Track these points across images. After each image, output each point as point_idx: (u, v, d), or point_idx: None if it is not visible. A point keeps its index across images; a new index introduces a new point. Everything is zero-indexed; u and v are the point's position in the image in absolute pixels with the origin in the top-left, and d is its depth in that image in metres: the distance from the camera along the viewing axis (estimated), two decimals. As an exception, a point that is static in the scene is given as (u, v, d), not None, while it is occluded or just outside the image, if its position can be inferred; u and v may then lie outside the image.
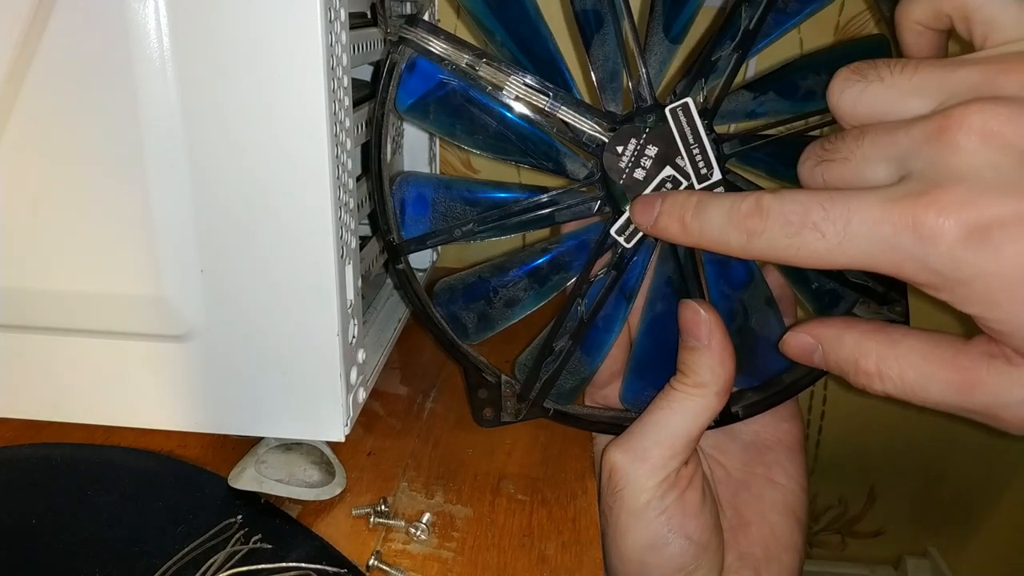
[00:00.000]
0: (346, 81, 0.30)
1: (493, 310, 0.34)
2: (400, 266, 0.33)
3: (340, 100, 0.29)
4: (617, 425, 0.34)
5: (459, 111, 0.31)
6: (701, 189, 0.30)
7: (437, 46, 0.29)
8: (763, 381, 0.35)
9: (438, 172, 0.51)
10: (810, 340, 0.27)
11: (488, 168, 0.59)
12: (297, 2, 0.26)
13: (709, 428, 0.33)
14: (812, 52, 0.32)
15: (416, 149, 0.48)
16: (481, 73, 0.29)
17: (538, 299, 0.34)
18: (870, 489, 0.75)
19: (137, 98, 0.28)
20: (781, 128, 0.31)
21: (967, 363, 0.23)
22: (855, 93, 0.24)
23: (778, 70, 0.32)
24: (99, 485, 0.32)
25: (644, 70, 0.30)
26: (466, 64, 0.29)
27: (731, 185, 0.31)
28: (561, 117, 0.30)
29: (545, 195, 0.32)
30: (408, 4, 0.30)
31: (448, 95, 0.31)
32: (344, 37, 0.29)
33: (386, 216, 0.32)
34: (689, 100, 0.30)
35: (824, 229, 0.22)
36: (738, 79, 0.31)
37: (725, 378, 0.31)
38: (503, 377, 0.34)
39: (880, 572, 0.78)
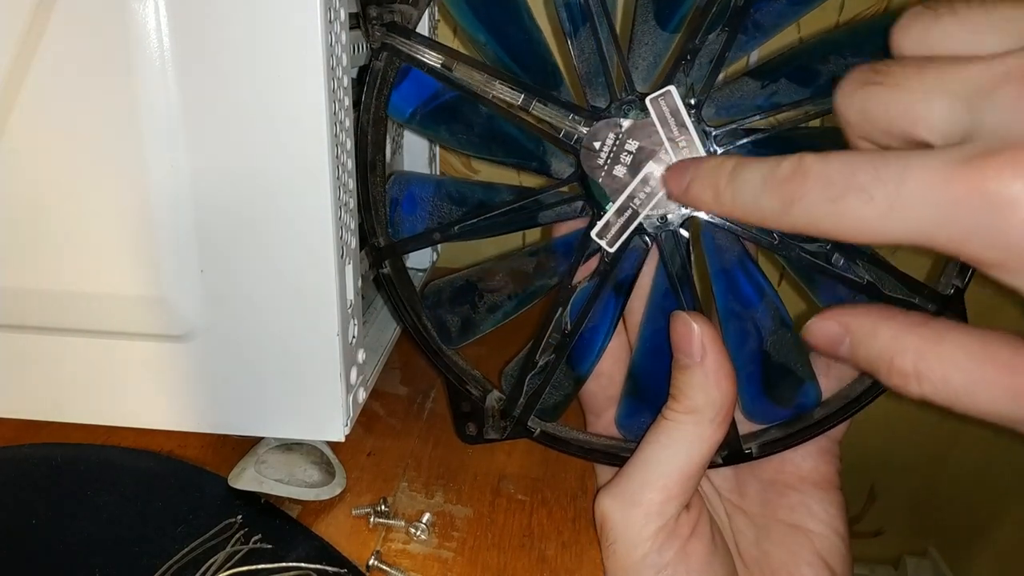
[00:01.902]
0: (346, 81, 0.30)
1: (477, 315, 0.33)
2: (385, 270, 0.32)
3: (340, 100, 0.29)
4: (613, 455, 0.32)
5: (442, 113, 0.31)
6: None
7: (417, 51, 0.29)
8: (792, 416, 0.31)
9: (438, 172, 0.51)
10: (837, 328, 0.23)
11: (488, 169, 0.59)
12: (297, 2, 0.26)
13: (718, 467, 0.30)
14: (833, 31, 0.28)
15: (416, 149, 0.48)
16: (457, 74, 0.29)
17: (520, 305, 0.32)
18: (870, 489, 0.75)
19: (137, 98, 0.28)
20: (785, 116, 0.28)
21: None
22: (922, 28, 0.20)
23: (787, 53, 0.28)
24: (99, 485, 0.32)
25: (623, 60, 0.29)
26: (441, 66, 0.29)
27: None
28: (536, 114, 0.29)
29: (530, 197, 0.31)
30: (385, 11, 0.30)
31: (431, 98, 0.30)
32: (344, 37, 0.29)
33: (370, 219, 0.32)
34: (672, 88, 0.27)
35: (873, 191, 0.19)
36: (739, 67, 0.29)
37: (721, 402, 0.27)
38: (494, 393, 0.33)
39: (880, 572, 0.78)
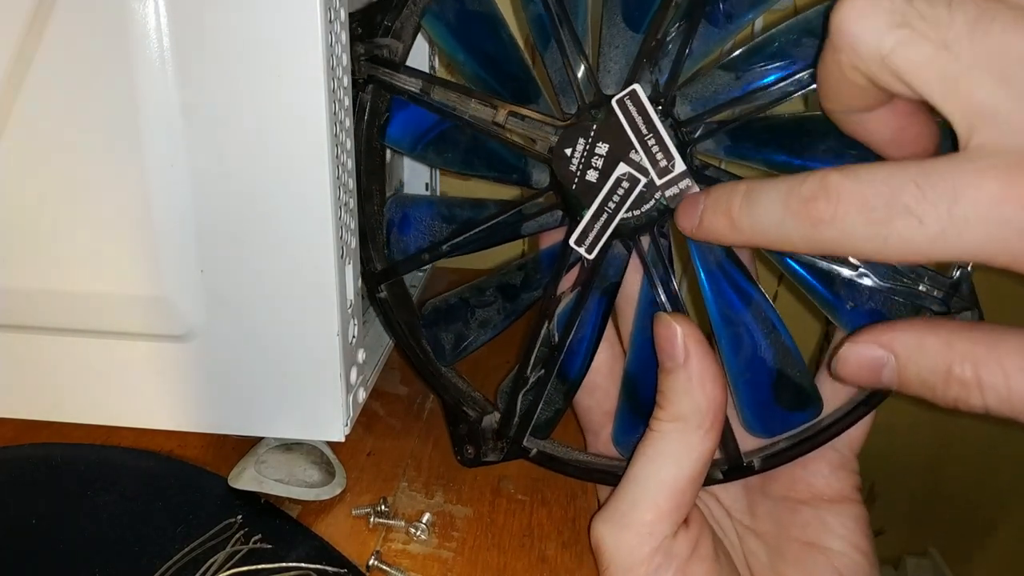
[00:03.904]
0: (346, 81, 0.30)
1: (469, 331, 0.33)
2: (381, 295, 0.32)
3: (340, 100, 0.29)
4: (612, 474, 0.30)
5: (431, 146, 0.31)
6: (663, 183, 0.26)
7: (399, 79, 0.30)
8: (794, 424, 0.29)
9: (438, 179, 0.52)
10: (878, 352, 0.20)
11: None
12: (297, 2, 0.26)
13: (719, 482, 0.29)
14: (804, 13, 0.27)
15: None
16: (435, 97, 0.30)
17: (509, 318, 0.32)
18: (870, 489, 0.75)
19: (137, 98, 0.28)
20: (765, 102, 0.26)
21: None
22: None
23: (758, 41, 0.27)
24: (99, 485, 0.32)
25: (585, 64, 0.28)
26: (420, 90, 0.30)
27: (703, 175, 0.27)
28: (511, 127, 0.29)
29: (513, 209, 0.30)
30: (372, 47, 0.30)
31: (420, 137, 0.31)
32: (344, 37, 0.29)
33: (367, 248, 0.32)
34: (636, 86, 0.26)
35: (921, 213, 0.17)
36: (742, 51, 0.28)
37: (707, 406, 0.25)
38: (493, 415, 0.32)
39: (880, 572, 0.78)
